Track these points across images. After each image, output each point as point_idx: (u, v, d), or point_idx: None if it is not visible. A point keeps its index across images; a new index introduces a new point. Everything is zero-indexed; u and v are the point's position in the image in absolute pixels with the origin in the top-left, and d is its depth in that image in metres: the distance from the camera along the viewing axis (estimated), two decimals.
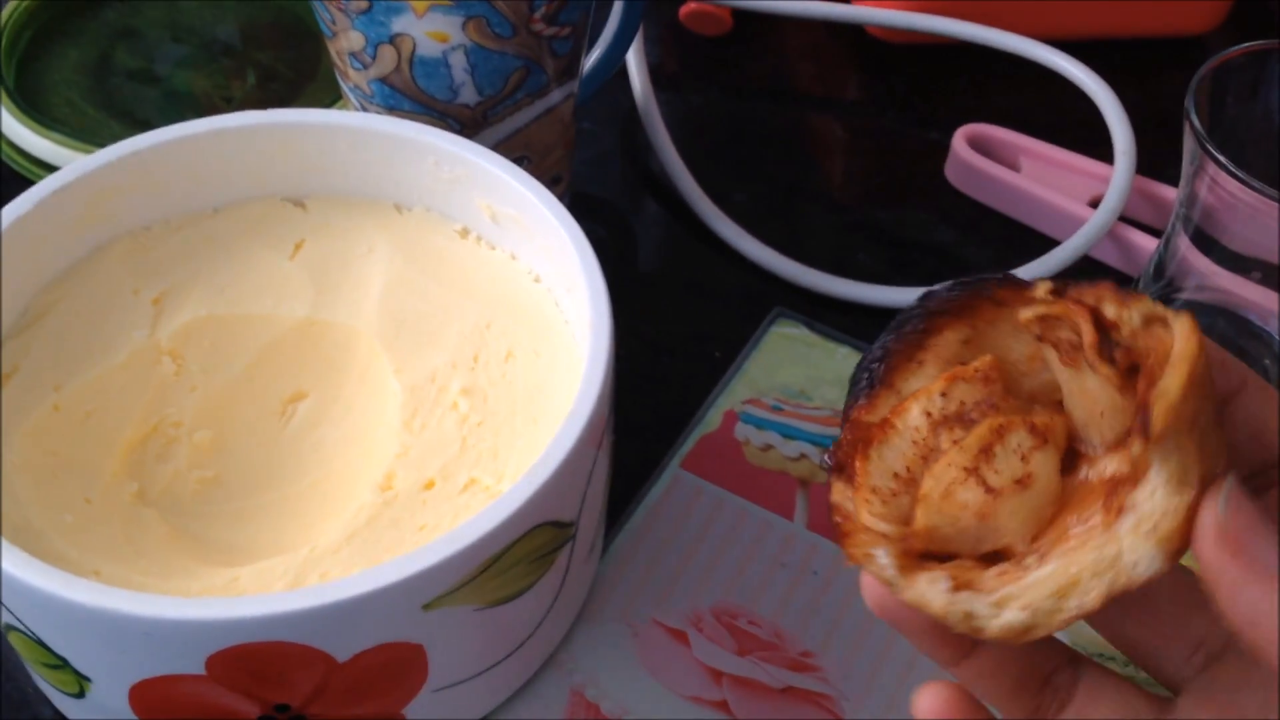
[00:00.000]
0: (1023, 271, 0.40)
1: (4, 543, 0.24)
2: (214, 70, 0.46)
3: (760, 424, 0.37)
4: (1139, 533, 0.19)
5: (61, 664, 0.25)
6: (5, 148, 0.43)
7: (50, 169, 0.42)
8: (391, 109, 0.36)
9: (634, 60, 0.46)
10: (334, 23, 0.35)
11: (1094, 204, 0.42)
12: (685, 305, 0.42)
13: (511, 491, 0.25)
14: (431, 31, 0.33)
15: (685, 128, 0.47)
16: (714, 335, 0.40)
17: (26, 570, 0.24)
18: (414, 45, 0.34)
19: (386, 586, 0.24)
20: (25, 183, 0.42)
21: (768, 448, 0.36)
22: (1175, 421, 0.19)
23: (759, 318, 0.40)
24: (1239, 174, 0.31)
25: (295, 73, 0.46)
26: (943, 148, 0.45)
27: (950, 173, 0.45)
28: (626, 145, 0.47)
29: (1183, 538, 0.19)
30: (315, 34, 0.48)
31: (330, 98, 0.45)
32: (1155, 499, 0.19)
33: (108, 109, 0.45)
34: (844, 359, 0.38)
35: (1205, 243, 0.34)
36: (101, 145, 0.42)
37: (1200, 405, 0.19)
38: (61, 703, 0.28)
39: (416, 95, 0.35)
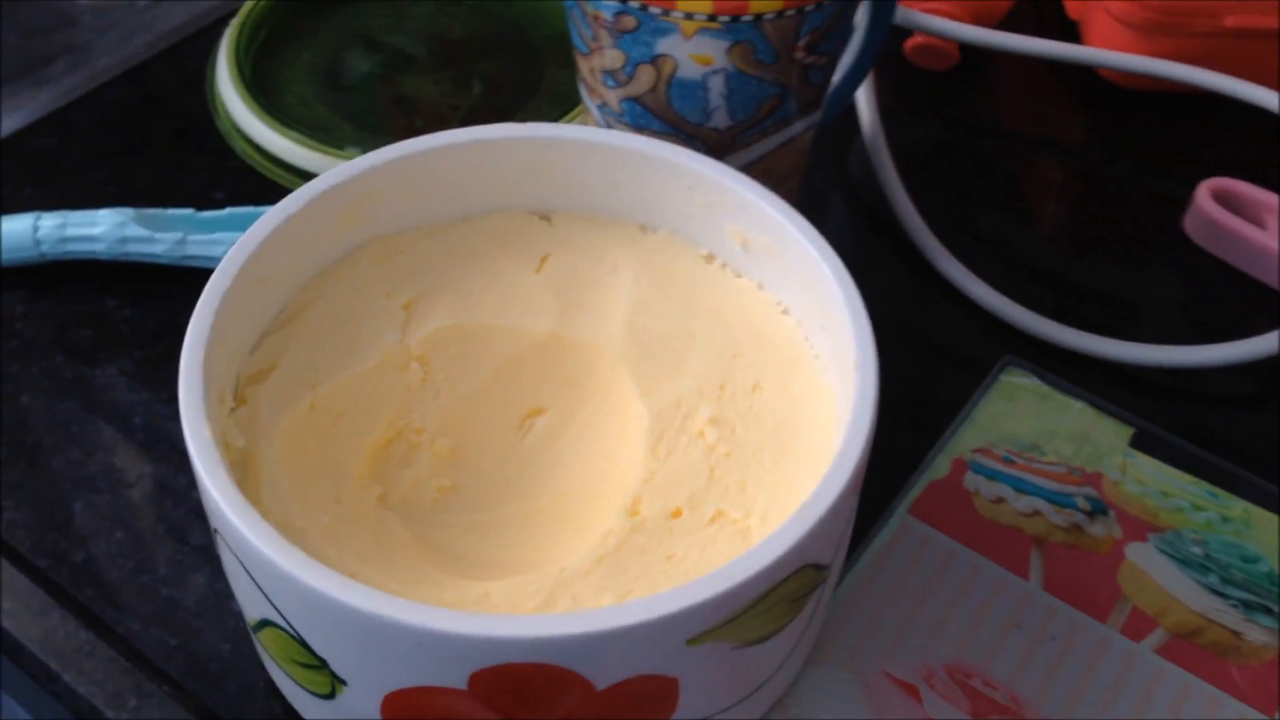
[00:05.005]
0: (1266, 340, 0.38)
1: (283, 542, 0.24)
2: (441, 79, 0.47)
3: (991, 474, 0.35)
4: None
5: (319, 664, 0.25)
6: (239, 141, 0.44)
7: (283, 165, 0.43)
8: (639, 128, 0.36)
9: (863, 93, 0.45)
10: (594, 39, 0.34)
11: None
12: (907, 345, 0.40)
13: (784, 529, 0.25)
14: (695, 54, 0.33)
15: (906, 164, 0.46)
16: (937, 378, 0.39)
17: (306, 571, 0.24)
18: (675, 67, 0.33)
19: (660, 618, 0.23)
20: (255, 175, 0.43)
21: (999, 500, 0.35)
22: None
23: (984, 363, 0.39)
24: None
25: (519, 86, 0.47)
26: (1176, 199, 0.44)
27: (1190, 226, 0.43)
28: (845, 178, 0.46)
29: None
30: (539, 49, 0.48)
31: (555, 113, 0.45)
32: None
33: (339, 111, 0.45)
34: (1078, 415, 0.37)
35: None
36: (335, 146, 0.43)
37: None
38: (303, 701, 0.28)
39: (669, 116, 0.35)
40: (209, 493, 0.25)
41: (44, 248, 0.40)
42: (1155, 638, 0.32)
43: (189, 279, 0.38)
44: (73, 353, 0.39)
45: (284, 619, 0.25)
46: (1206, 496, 0.35)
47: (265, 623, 0.26)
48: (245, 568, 0.25)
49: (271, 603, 0.25)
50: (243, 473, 0.28)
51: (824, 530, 0.25)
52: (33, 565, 0.33)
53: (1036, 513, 0.35)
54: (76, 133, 0.46)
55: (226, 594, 0.33)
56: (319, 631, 0.25)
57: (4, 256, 0.40)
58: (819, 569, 0.27)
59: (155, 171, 0.45)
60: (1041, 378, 0.38)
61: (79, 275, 0.41)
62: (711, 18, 0.32)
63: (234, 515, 0.25)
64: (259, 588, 0.25)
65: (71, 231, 0.40)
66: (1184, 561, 0.33)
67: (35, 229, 0.40)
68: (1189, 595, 0.33)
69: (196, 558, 0.33)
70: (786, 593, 0.26)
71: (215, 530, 0.27)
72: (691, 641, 0.24)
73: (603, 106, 0.36)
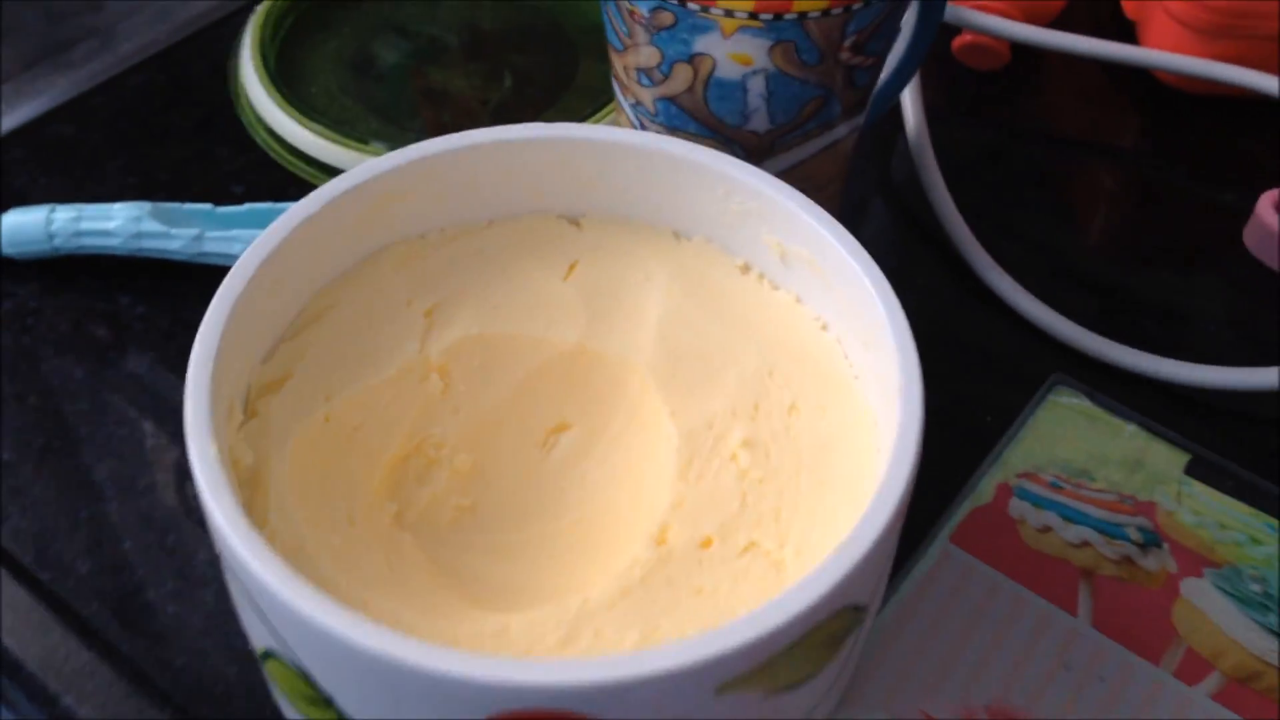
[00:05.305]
0: None
1: (288, 573, 0.23)
2: (471, 71, 0.45)
3: (1038, 501, 0.34)
4: None
5: (325, 701, 0.24)
6: (261, 132, 0.43)
7: (305, 159, 0.42)
8: (674, 129, 0.34)
9: (908, 93, 0.43)
10: (629, 36, 0.33)
11: None
12: (951, 361, 0.39)
13: (822, 569, 0.23)
14: (735, 54, 0.31)
15: (952, 169, 0.44)
16: (982, 397, 0.37)
17: (312, 605, 0.22)
18: (713, 66, 0.32)
19: (689, 665, 0.22)
20: (276, 168, 0.42)
21: (1046, 529, 0.33)
22: None
23: (1031, 381, 0.37)
24: None
25: (551, 80, 0.45)
26: (1235, 210, 0.41)
27: (1250, 238, 0.41)
28: (887, 183, 0.44)
29: None
30: (573, 41, 0.47)
31: (587, 109, 0.43)
32: None
33: (365, 103, 0.44)
34: (1131, 439, 0.35)
35: None
36: (360, 140, 0.41)
37: None
38: None
39: (705, 118, 0.33)
40: (213, 515, 0.24)
41: (57, 241, 0.39)
42: (1211, 682, 0.30)
43: (205, 276, 0.37)
44: (84, 352, 0.37)
45: (289, 652, 0.24)
46: (1266, 530, 0.33)
47: (270, 654, 0.25)
48: (249, 596, 0.24)
49: (276, 634, 0.24)
50: (251, 491, 0.27)
51: (865, 570, 0.24)
52: (35, 578, 0.32)
53: (1086, 543, 0.33)
54: (96, 120, 0.45)
55: (235, 613, 0.31)
56: (325, 668, 0.23)
57: (16, 249, 0.39)
58: (858, 610, 0.25)
59: (175, 162, 0.43)
60: (1092, 398, 0.36)
61: (92, 270, 0.39)
62: (753, 15, 0.30)
63: (238, 541, 0.23)
64: (263, 618, 0.24)
65: (86, 225, 0.39)
66: (1242, 600, 0.32)
67: (49, 221, 0.39)
68: (1247, 636, 0.31)
69: (205, 573, 0.32)
70: (823, 636, 0.24)
71: (219, 554, 0.25)
72: (722, 689, 0.23)
73: (636, 106, 0.35)
